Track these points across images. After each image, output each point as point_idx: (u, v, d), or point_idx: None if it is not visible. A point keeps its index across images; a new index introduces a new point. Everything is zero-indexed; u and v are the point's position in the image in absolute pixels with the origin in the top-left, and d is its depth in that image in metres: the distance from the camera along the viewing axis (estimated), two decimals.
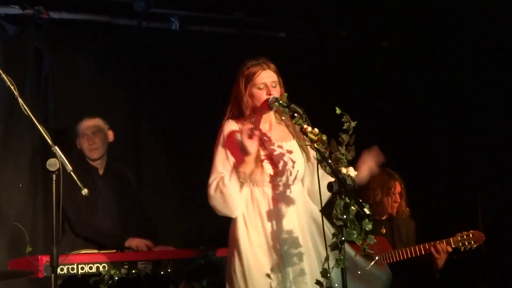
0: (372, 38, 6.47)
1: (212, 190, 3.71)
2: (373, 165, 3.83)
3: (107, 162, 5.00)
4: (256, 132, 3.69)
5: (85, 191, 3.47)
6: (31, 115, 3.45)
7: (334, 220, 3.41)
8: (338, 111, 3.54)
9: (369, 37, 6.44)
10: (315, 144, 3.53)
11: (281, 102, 3.67)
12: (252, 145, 3.64)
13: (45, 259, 4.03)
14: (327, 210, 3.72)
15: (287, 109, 3.64)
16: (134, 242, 4.65)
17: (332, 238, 3.45)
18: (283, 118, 3.82)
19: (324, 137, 3.55)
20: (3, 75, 3.47)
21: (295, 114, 3.62)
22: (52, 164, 3.35)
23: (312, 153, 3.81)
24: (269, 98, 3.72)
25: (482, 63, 5.97)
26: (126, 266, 4.29)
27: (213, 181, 3.72)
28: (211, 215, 3.78)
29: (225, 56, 5.59)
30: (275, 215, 3.73)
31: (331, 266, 3.45)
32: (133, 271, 4.30)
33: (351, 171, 3.49)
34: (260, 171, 3.71)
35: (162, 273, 4.43)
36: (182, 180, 5.60)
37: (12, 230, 4.67)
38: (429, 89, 6.36)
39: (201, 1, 5.69)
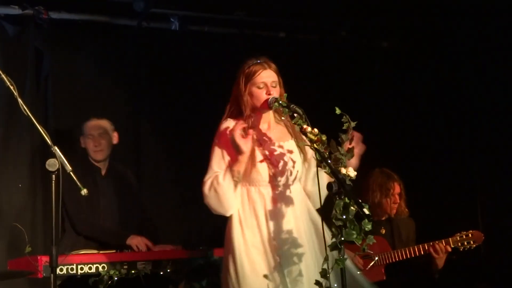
0: (372, 38, 6.46)
1: (206, 188, 3.72)
2: (359, 151, 3.78)
3: (110, 162, 5.01)
4: (250, 131, 3.70)
5: (84, 191, 3.47)
6: (31, 115, 3.45)
7: (334, 220, 3.41)
8: (338, 111, 3.54)
9: (369, 37, 6.43)
10: (314, 144, 3.53)
11: (280, 102, 3.67)
12: (245, 144, 3.65)
13: (44, 259, 4.03)
14: (325, 211, 3.73)
15: (287, 109, 3.64)
16: (134, 241, 4.66)
17: (332, 238, 3.45)
18: (282, 118, 3.82)
19: (324, 137, 3.55)
20: (3, 76, 3.47)
21: (295, 114, 3.63)
22: (52, 164, 3.36)
23: (310, 153, 3.81)
24: (268, 98, 3.73)
25: (482, 63, 5.97)
26: (125, 266, 4.29)
27: (208, 180, 3.73)
28: (211, 215, 3.79)
29: (225, 56, 5.59)
30: (274, 215, 3.73)
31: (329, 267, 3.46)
32: (133, 271, 4.30)
33: (351, 171, 3.49)
34: (256, 170, 3.71)
35: (161, 273, 4.44)
36: (182, 180, 5.60)
37: (11, 230, 4.67)
38: (429, 89, 6.36)
39: (201, 1, 5.69)
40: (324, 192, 3.69)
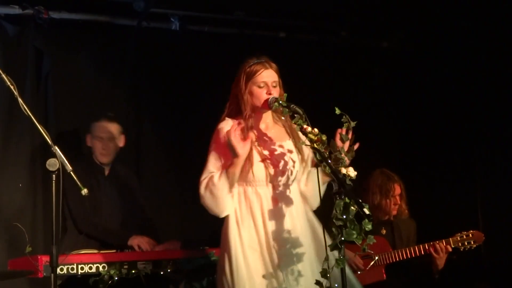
0: (372, 38, 6.46)
1: (202, 189, 3.73)
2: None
3: (113, 163, 5.02)
4: (250, 134, 3.70)
5: (84, 191, 3.47)
6: (31, 115, 3.45)
7: (334, 220, 3.41)
8: (337, 111, 3.54)
9: (369, 37, 6.43)
10: (314, 144, 3.53)
11: (280, 102, 3.67)
12: (242, 148, 3.64)
13: (44, 259, 4.03)
14: (325, 211, 3.73)
15: (287, 109, 3.65)
16: (136, 241, 4.66)
17: (332, 238, 3.46)
18: (282, 118, 3.82)
19: (324, 137, 3.56)
20: (3, 75, 3.47)
21: (295, 115, 3.63)
22: (52, 164, 3.36)
23: (307, 154, 3.82)
24: (268, 98, 3.73)
25: (482, 63, 5.97)
26: (126, 266, 4.29)
27: (203, 180, 3.74)
28: (211, 215, 3.79)
29: (225, 56, 5.59)
30: (274, 215, 3.73)
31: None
32: (133, 271, 4.30)
33: (351, 171, 3.50)
34: (253, 170, 3.71)
35: (162, 273, 4.43)
36: (182, 180, 5.60)
37: (12, 230, 4.66)
38: (429, 89, 6.36)
39: (201, 1, 5.69)
40: (321, 191, 3.72)
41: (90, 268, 4.21)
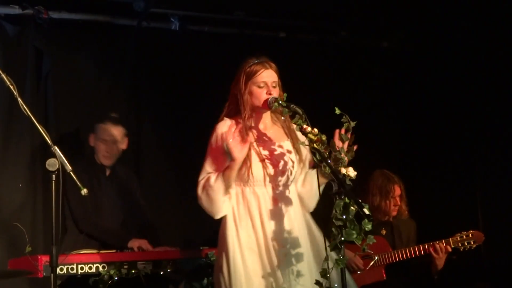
0: (372, 38, 6.46)
1: (199, 189, 3.74)
2: None
3: (115, 164, 5.02)
4: (248, 138, 3.69)
5: (84, 191, 3.46)
6: (31, 115, 3.45)
7: (334, 220, 3.41)
8: (337, 111, 3.54)
9: (369, 37, 6.43)
10: (314, 144, 3.53)
11: (280, 102, 3.67)
12: (239, 151, 3.63)
13: (44, 259, 4.03)
14: (319, 212, 3.74)
15: (287, 109, 3.65)
16: (136, 243, 4.66)
17: (332, 238, 3.46)
18: (282, 118, 3.82)
19: (324, 137, 3.56)
20: (3, 75, 3.47)
21: (295, 115, 3.63)
22: (52, 164, 3.36)
23: (304, 155, 3.81)
24: (268, 98, 3.73)
25: (482, 63, 5.96)
26: (125, 266, 4.29)
27: (201, 181, 3.75)
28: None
29: (225, 56, 5.59)
30: (275, 215, 3.73)
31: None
32: (133, 271, 4.30)
33: (351, 171, 3.50)
34: (251, 171, 3.71)
35: (162, 273, 4.43)
36: (182, 180, 5.59)
37: (11, 230, 4.66)
38: (429, 89, 6.36)
39: (201, 1, 5.69)
40: (317, 193, 3.72)
41: (90, 268, 4.21)
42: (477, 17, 5.82)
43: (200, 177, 3.76)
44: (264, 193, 3.74)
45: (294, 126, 3.79)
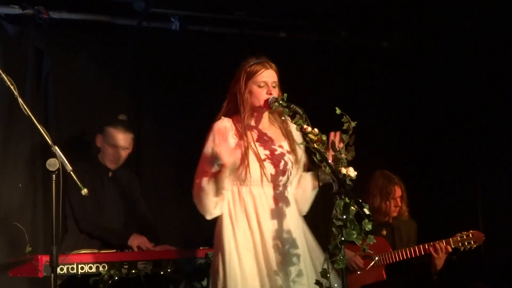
0: (372, 38, 6.46)
1: (194, 189, 3.73)
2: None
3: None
4: (241, 143, 3.69)
5: (84, 191, 3.47)
6: (31, 115, 3.45)
7: (334, 220, 3.41)
8: (338, 111, 3.54)
9: (369, 37, 6.43)
10: (315, 144, 3.53)
11: (280, 102, 3.67)
12: (228, 156, 3.60)
13: (45, 259, 4.03)
14: (312, 213, 3.75)
15: (287, 109, 3.65)
16: (135, 242, 4.66)
17: (332, 238, 3.46)
18: (283, 118, 3.82)
19: (324, 137, 3.56)
20: (3, 75, 3.47)
21: (296, 114, 3.63)
22: (52, 164, 3.36)
23: (299, 157, 3.82)
24: (269, 98, 3.73)
25: (482, 63, 5.97)
26: (126, 266, 4.29)
27: (196, 180, 3.73)
28: None
29: (225, 56, 5.59)
30: (274, 215, 3.73)
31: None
32: (133, 271, 4.30)
33: (351, 171, 3.50)
34: (248, 170, 3.70)
35: (162, 273, 4.44)
36: (182, 180, 5.59)
37: (12, 229, 4.66)
38: (429, 89, 6.36)
39: (201, 1, 5.69)
40: (311, 197, 3.73)
41: (90, 268, 4.21)
42: (477, 17, 5.82)
43: (195, 177, 3.76)
44: (260, 193, 3.74)
45: (291, 127, 3.81)
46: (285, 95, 3.74)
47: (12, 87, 3.45)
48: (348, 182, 3.45)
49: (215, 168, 3.67)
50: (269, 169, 3.75)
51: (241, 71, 3.79)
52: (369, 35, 6.41)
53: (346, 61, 6.35)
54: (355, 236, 3.38)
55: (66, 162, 3.39)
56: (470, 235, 5.03)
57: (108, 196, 4.92)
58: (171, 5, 5.64)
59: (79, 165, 4.45)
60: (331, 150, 3.58)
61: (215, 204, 3.72)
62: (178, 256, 4.50)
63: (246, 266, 3.65)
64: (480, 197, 6.02)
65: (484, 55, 5.94)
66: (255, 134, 3.80)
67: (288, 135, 3.84)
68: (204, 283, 4.49)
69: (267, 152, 3.78)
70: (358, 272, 5.10)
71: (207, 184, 3.68)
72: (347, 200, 3.40)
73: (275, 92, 3.77)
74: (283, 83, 3.86)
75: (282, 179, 3.79)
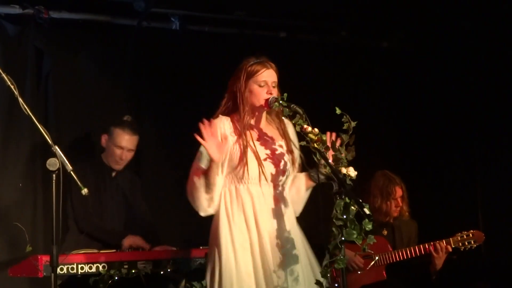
0: (372, 38, 6.46)
1: (187, 186, 3.74)
2: None
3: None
4: (240, 141, 3.69)
5: (85, 191, 3.47)
6: (31, 115, 3.45)
7: (334, 220, 3.41)
8: (338, 111, 3.55)
9: (369, 37, 6.43)
10: (315, 144, 3.54)
11: (281, 102, 3.67)
12: (215, 152, 3.60)
13: (45, 258, 4.03)
14: (312, 213, 3.75)
15: (287, 109, 3.65)
16: (127, 242, 4.65)
17: (332, 238, 3.46)
18: (283, 117, 3.82)
19: (324, 137, 3.57)
20: (3, 75, 3.47)
21: (296, 114, 3.63)
22: (52, 164, 3.36)
23: (296, 157, 3.82)
24: (269, 98, 3.73)
25: (482, 63, 5.97)
26: (126, 266, 4.29)
27: (189, 177, 3.73)
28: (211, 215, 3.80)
29: (225, 56, 5.58)
30: (274, 215, 3.73)
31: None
32: (133, 271, 4.30)
33: (351, 171, 3.50)
34: (247, 168, 3.70)
35: (162, 272, 4.43)
36: (182, 180, 5.57)
37: (12, 229, 4.67)
38: (429, 89, 6.36)
39: (201, 1, 5.69)
40: (305, 197, 3.73)
41: (90, 268, 4.21)
42: (477, 17, 5.82)
43: (189, 174, 3.76)
44: (258, 192, 3.73)
45: (288, 127, 3.81)
46: (285, 94, 3.74)
47: (12, 86, 3.45)
48: (348, 182, 3.45)
49: (205, 164, 3.67)
50: (270, 168, 3.76)
51: (241, 70, 3.79)
52: (369, 35, 6.41)
53: (346, 61, 6.35)
54: (355, 235, 3.38)
55: (66, 161, 3.39)
56: (471, 235, 5.03)
57: (110, 196, 4.92)
58: (171, 5, 5.64)
59: (80, 165, 4.48)
60: (331, 150, 3.58)
61: (208, 202, 3.72)
62: (178, 256, 4.50)
63: (242, 264, 3.64)
64: (480, 197, 6.02)
65: (484, 55, 5.94)
66: (254, 133, 3.80)
67: (285, 136, 3.84)
68: (204, 283, 4.48)
69: (268, 152, 3.78)
70: (359, 272, 5.10)
71: (198, 180, 3.68)
72: (347, 200, 3.40)
73: (275, 92, 3.78)
74: (283, 83, 3.86)
75: (282, 179, 3.80)
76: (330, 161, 3.53)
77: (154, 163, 5.67)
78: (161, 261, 4.42)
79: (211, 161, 3.63)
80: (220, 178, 3.72)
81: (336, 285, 3.48)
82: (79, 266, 4.19)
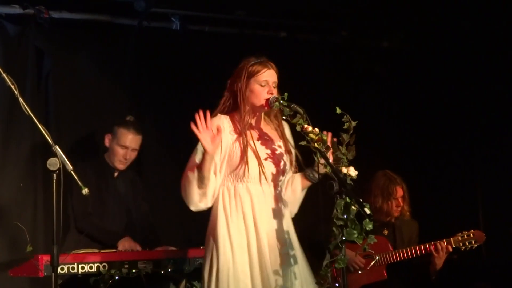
0: (372, 38, 6.47)
1: (181, 180, 3.72)
2: None
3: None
4: (240, 140, 3.69)
5: (85, 191, 3.47)
6: (32, 115, 3.45)
7: (335, 220, 3.41)
8: (338, 110, 3.55)
9: (369, 37, 6.44)
10: (315, 144, 3.54)
11: (281, 101, 3.67)
12: (209, 143, 3.59)
13: (45, 258, 4.03)
14: (312, 213, 3.76)
15: (288, 109, 3.65)
16: (122, 245, 4.64)
17: (333, 238, 3.46)
18: (283, 117, 3.82)
19: (325, 137, 3.57)
20: (4, 75, 3.47)
21: (297, 114, 3.63)
22: (53, 164, 3.36)
23: (293, 157, 3.82)
24: (269, 97, 3.73)
25: (483, 63, 5.97)
26: (126, 266, 4.29)
27: (184, 172, 3.71)
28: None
29: (225, 56, 5.59)
30: (275, 214, 3.73)
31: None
32: (134, 271, 4.30)
33: (352, 171, 3.50)
34: (247, 167, 3.70)
35: (162, 272, 4.43)
36: None
37: (12, 229, 4.67)
38: (429, 89, 6.36)
39: (202, 1, 5.69)
40: (300, 198, 3.73)
41: (91, 267, 4.21)
42: (477, 17, 5.82)
43: (186, 167, 3.75)
44: (258, 191, 3.72)
45: (286, 129, 3.81)
46: (286, 94, 3.74)
47: (12, 86, 3.45)
48: (348, 181, 3.45)
49: (199, 159, 3.66)
50: (271, 168, 3.76)
51: (242, 69, 3.79)
52: (369, 35, 6.41)
53: (346, 61, 6.35)
54: (355, 235, 3.38)
55: (67, 161, 3.39)
56: (471, 235, 5.03)
57: (111, 196, 4.92)
58: (171, 4, 5.64)
59: (81, 165, 4.48)
60: (331, 150, 3.58)
61: (200, 197, 3.68)
62: (178, 256, 4.50)
63: (239, 263, 3.63)
64: (480, 197, 6.02)
65: (484, 55, 5.94)
66: (255, 133, 3.80)
67: (283, 136, 3.85)
68: None
69: (268, 151, 3.78)
70: (359, 272, 5.10)
71: (192, 174, 3.66)
72: (348, 199, 3.40)
73: (275, 93, 3.78)
74: (283, 83, 3.86)
75: (282, 178, 3.81)
76: (331, 160, 3.53)
77: (154, 163, 5.67)
78: (161, 261, 4.42)
79: (204, 152, 3.61)
80: (218, 177, 3.70)
81: (336, 284, 3.48)
82: (80, 265, 4.19)
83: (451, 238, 5.05)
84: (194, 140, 5.52)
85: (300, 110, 3.61)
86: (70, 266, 4.16)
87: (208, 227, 3.78)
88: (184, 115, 5.66)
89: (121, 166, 4.94)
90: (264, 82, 3.75)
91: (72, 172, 3.41)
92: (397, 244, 5.26)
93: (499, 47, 5.84)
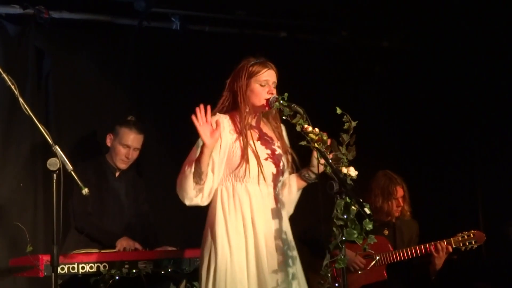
0: (372, 38, 6.47)
1: (178, 176, 3.71)
2: None
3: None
4: (240, 139, 3.68)
5: (85, 191, 3.47)
6: (32, 115, 3.45)
7: (335, 220, 3.41)
8: (338, 111, 3.55)
9: (369, 37, 6.44)
10: (315, 144, 3.54)
11: (281, 101, 3.67)
12: (208, 137, 3.57)
13: (45, 258, 4.03)
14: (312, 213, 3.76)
15: (288, 109, 3.65)
16: (121, 245, 4.64)
17: (333, 238, 3.46)
18: (283, 117, 3.82)
19: (325, 137, 3.57)
20: (4, 75, 3.47)
21: (297, 114, 3.63)
22: (53, 164, 3.36)
23: (290, 158, 3.82)
24: (270, 97, 3.73)
25: (483, 63, 5.97)
26: (126, 266, 4.29)
27: (182, 167, 3.70)
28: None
29: (225, 56, 5.58)
30: (275, 215, 3.73)
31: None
32: (134, 271, 4.30)
33: (352, 171, 3.50)
34: (247, 167, 3.69)
35: (162, 272, 4.43)
36: None
37: (12, 229, 4.67)
38: (429, 89, 6.36)
39: (202, 1, 5.70)
40: (296, 198, 3.74)
41: (91, 267, 4.21)
42: (478, 17, 5.82)
43: (183, 163, 3.75)
44: (256, 191, 3.71)
45: (283, 129, 3.82)
46: (286, 94, 3.73)
47: (12, 86, 3.45)
48: (349, 181, 3.45)
49: (197, 153, 3.65)
50: (271, 168, 3.75)
51: (242, 69, 3.78)
52: (369, 35, 6.41)
53: (346, 61, 6.35)
54: (356, 235, 3.38)
55: (67, 161, 3.39)
56: (471, 235, 5.03)
57: (112, 196, 4.92)
58: (171, 4, 5.64)
59: (81, 165, 4.48)
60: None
61: (196, 192, 3.66)
62: (178, 256, 4.49)
63: (236, 262, 3.61)
64: (480, 197, 6.02)
65: (484, 55, 5.94)
66: (255, 133, 3.80)
67: (281, 137, 3.85)
68: None
69: (268, 152, 3.78)
70: (359, 272, 5.10)
71: (188, 169, 3.64)
72: (348, 199, 3.40)
73: (275, 93, 3.78)
74: (283, 83, 3.86)
75: (281, 179, 3.81)
76: (331, 160, 3.53)
77: (154, 163, 5.67)
78: (161, 261, 4.42)
79: (202, 146, 3.60)
80: (215, 175, 3.69)
81: (336, 284, 3.47)
82: (80, 265, 4.19)
83: (451, 238, 5.05)
84: (194, 140, 5.52)
85: (300, 110, 3.61)
86: (70, 266, 4.16)
87: (205, 226, 3.77)
88: (184, 115, 5.69)
89: (123, 165, 4.94)
90: (264, 82, 3.75)
91: (72, 172, 3.41)
92: (397, 244, 5.26)
93: (499, 47, 5.84)
